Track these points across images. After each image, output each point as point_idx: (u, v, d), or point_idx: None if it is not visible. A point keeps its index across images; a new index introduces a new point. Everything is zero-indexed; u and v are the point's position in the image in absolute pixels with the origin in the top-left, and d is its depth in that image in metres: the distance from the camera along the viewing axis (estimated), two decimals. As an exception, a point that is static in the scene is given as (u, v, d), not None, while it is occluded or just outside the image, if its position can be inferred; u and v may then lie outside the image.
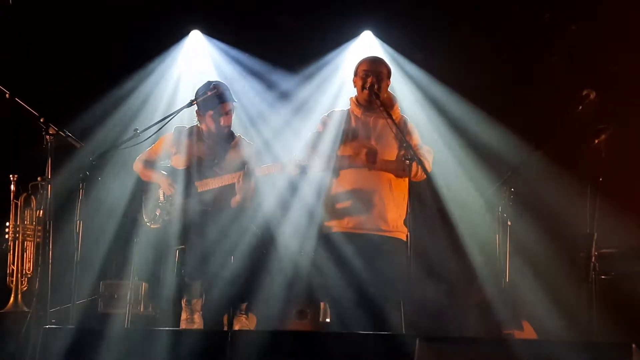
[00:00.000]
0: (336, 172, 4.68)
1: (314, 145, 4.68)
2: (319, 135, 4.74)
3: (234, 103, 5.02)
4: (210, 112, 4.93)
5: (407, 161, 4.41)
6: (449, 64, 6.29)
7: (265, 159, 5.15)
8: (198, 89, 5.00)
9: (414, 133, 4.78)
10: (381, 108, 4.59)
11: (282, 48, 6.54)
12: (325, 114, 4.88)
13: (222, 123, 4.95)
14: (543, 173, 5.65)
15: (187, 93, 6.21)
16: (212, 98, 4.86)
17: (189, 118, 5.09)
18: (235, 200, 4.88)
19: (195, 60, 6.75)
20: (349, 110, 4.81)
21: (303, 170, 4.60)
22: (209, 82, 5.01)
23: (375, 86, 4.64)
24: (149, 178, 5.10)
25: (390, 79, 4.80)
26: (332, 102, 6.27)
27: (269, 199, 5.04)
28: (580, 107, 4.78)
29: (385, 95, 4.73)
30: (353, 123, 4.74)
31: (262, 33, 6.54)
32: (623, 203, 5.57)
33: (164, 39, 6.66)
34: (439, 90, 6.31)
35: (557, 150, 5.36)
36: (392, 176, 4.65)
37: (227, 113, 4.95)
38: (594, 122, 4.72)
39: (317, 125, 4.84)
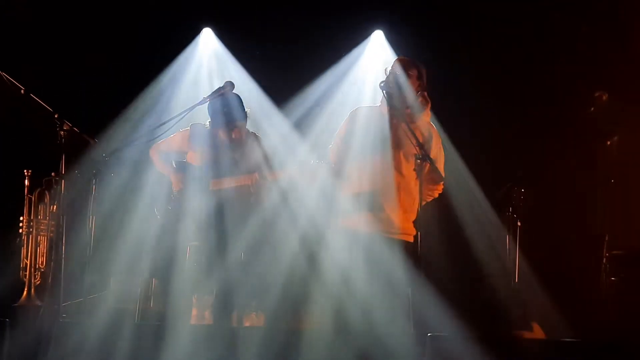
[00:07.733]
0: (346, 172, 4.66)
1: (341, 148, 4.66)
2: (344, 136, 4.68)
3: (243, 120, 4.97)
4: (220, 128, 4.92)
5: (419, 160, 4.37)
6: (457, 63, 6.29)
7: (279, 160, 5.16)
8: (211, 98, 4.84)
9: (432, 141, 4.67)
10: (407, 111, 4.50)
11: (293, 47, 6.55)
12: (353, 110, 4.75)
13: (233, 137, 4.95)
14: (554, 174, 5.64)
15: (198, 90, 6.23)
16: (221, 116, 4.87)
17: (204, 114, 5.07)
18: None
19: (207, 58, 6.77)
20: (375, 107, 4.70)
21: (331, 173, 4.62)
22: (222, 97, 4.86)
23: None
24: (161, 169, 5.11)
25: (423, 79, 4.60)
26: (344, 100, 6.29)
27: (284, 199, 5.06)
28: (593, 109, 4.78)
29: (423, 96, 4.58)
30: (378, 121, 4.65)
31: (272, 33, 6.55)
32: (635, 205, 5.56)
33: (176, 37, 6.68)
34: (446, 90, 6.31)
35: (568, 151, 5.36)
36: (400, 178, 4.60)
37: (236, 128, 4.94)
38: (606, 124, 4.73)
39: (342, 125, 4.73)
